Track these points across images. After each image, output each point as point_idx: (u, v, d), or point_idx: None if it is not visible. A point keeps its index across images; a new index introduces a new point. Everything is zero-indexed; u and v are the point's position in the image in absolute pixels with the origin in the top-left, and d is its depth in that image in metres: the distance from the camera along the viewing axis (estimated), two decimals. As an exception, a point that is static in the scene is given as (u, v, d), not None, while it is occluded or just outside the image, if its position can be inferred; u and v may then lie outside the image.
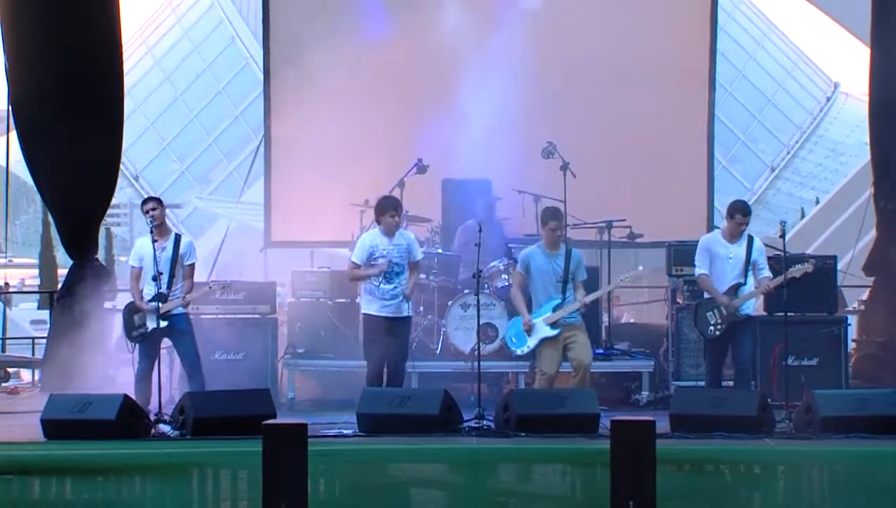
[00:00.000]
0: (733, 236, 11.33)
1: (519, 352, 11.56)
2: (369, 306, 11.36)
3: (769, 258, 12.02)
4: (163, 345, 11.48)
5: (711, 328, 11.31)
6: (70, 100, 13.15)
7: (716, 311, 11.27)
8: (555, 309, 11.26)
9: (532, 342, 11.35)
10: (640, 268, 11.84)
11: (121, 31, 13.76)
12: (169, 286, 11.24)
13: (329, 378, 12.97)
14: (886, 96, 13.71)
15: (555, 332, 11.27)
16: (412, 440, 10.10)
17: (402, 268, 11.29)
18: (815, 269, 11.74)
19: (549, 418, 10.28)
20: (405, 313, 11.35)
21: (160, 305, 11.14)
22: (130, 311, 11.50)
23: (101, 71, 13.43)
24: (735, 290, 11.24)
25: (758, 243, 11.40)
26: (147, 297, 11.32)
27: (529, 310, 11.35)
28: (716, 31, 15.53)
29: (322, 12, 15.30)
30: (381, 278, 11.21)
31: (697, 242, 11.66)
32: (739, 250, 11.28)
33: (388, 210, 11.22)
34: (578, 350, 11.27)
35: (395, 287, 11.24)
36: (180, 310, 11.38)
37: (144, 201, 11.58)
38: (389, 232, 11.26)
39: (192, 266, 11.47)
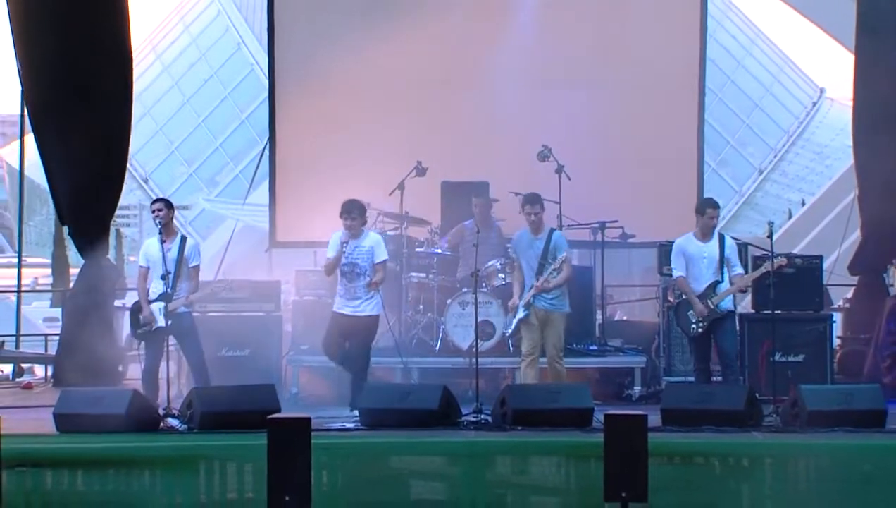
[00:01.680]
0: (705, 232, 11.39)
1: (507, 333, 12.04)
2: (335, 303, 11.58)
3: (758, 258, 12.06)
4: (172, 342, 11.49)
5: (693, 325, 11.37)
6: (81, 106, 13.15)
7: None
8: (528, 290, 11.41)
9: (514, 324, 11.66)
10: (564, 254, 11.75)
11: (130, 38, 13.75)
12: (173, 286, 11.24)
13: (332, 374, 12.94)
14: (870, 101, 13.71)
15: (524, 313, 11.42)
16: (412, 433, 10.12)
17: (365, 270, 11.34)
18: (801, 268, 11.77)
19: (544, 412, 10.30)
20: (367, 313, 11.43)
21: (166, 305, 11.14)
22: (136, 310, 11.52)
23: (111, 76, 13.43)
24: (713, 287, 11.30)
25: (729, 241, 11.49)
26: (153, 295, 11.33)
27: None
28: (705, 39, 15.52)
29: (325, 20, 15.29)
30: (343, 279, 11.34)
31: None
32: (713, 248, 11.36)
33: (340, 213, 11.32)
34: (544, 337, 11.47)
35: (357, 288, 11.34)
36: (184, 309, 11.39)
37: (153, 202, 11.62)
38: (350, 234, 11.30)
39: (197, 268, 11.48)
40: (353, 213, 11.28)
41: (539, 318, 11.45)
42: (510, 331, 11.85)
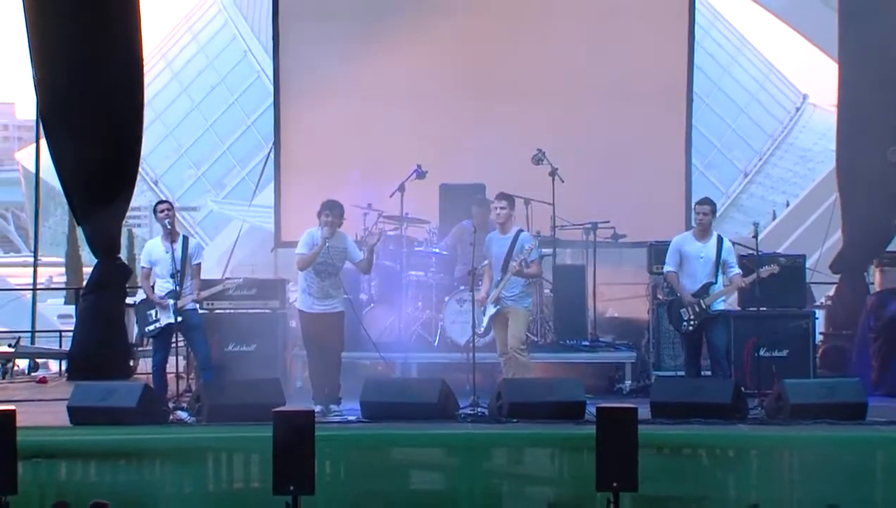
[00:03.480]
0: (703, 232, 11.33)
1: (479, 331, 11.52)
2: (303, 303, 11.25)
3: (743, 257, 12.04)
4: (181, 339, 11.48)
5: (685, 323, 11.32)
6: (94, 111, 13.14)
7: (689, 308, 11.28)
8: (496, 287, 11.29)
9: (485, 320, 11.40)
10: (539, 249, 11.67)
11: (142, 46, 13.75)
12: (180, 284, 11.22)
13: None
14: (853, 107, 13.71)
15: (495, 309, 11.27)
16: (412, 425, 10.12)
17: (337, 269, 11.18)
18: (786, 267, 11.76)
19: (538, 405, 10.30)
20: (339, 309, 11.29)
21: (175, 302, 11.12)
22: (143, 308, 11.47)
23: (123, 83, 13.42)
24: (707, 288, 11.25)
25: (727, 243, 11.42)
26: (161, 292, 11.30)
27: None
28: (693, 47, 15.51)
29: (328, 29, 15.31)
30: (316, 277, 11.15)
31: (677, 242, 11.65)
32: (710, 250, 11.28)
33: (320, 211, 11.11)
34: (508, 332, 11.26)
35: (328, 287, 11.15)
36: (192, 306, 11.38)
37: (158, 204, 11.57)
38: (331, 232, 11.10)
39: (199, 266, 11.45)
40: (336, 211, 11.19)
41: (502, 314, 11.31)
42: (483, 329, 11.46)
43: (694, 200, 14.45)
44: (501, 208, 11.32)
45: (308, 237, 11.22)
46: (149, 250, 11.62)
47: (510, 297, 11.28)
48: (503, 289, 11.23)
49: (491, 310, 11.31)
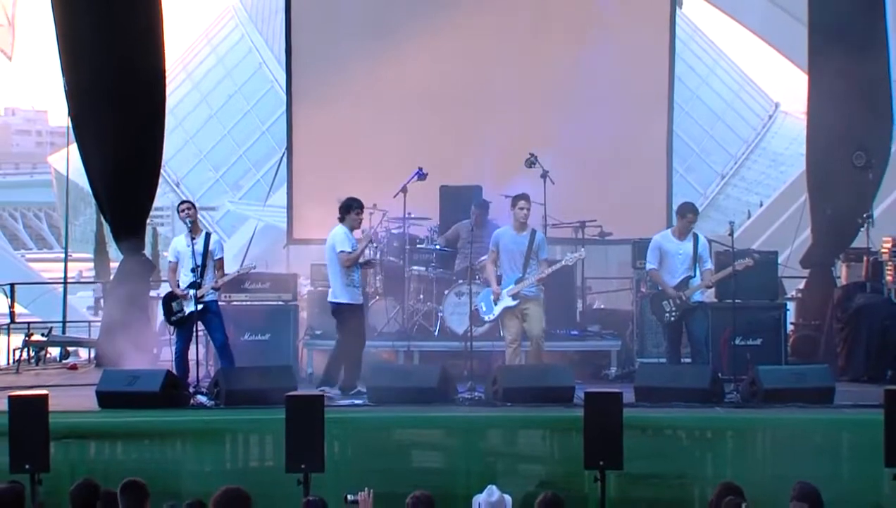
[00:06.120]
0: (683, 233, 11.34)
1: (487, 318, 11.55)
2: (351, 296, 11.17)
3: (720, 253, 12.04)
4: (201, 328, 11.47)
5: (667, 314, 11.32)
6: (120, 117, 13.13)
7: (670, 300, 11.27)
8: (516, 282, 11.27)
9: (497, 310, 11.36)
10: (582, 250, 11.85)
11: (164, 58, 13.73)
12: (201, 276, 11.20)
13: (343, 356, 12.92)
14: (821, 115, 13.69)
15: (514, 303, 11.26)
16: (414, 409, 10.13)
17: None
18: (759, 262, 11.76)
19: (531, 390, 10.30)
20: (362, 300, 11.44)
21: (196, 292, 11.11)
22: (168, 299, 11.46)
23: (146, 91, 13.41)
24: (686, 282, 11.25)
25: (702, 239, 11.44)
26: (183, 285, 11.28)
27: (500, 283, 11.36)
28: (673, 59, 15.49)
29: (337, 43, 15.29)
30: (357, 268, 11.16)
31: (658, 240, 11.63)
32: (688, 246, 11.29)
33: (353, 208, 11.15)
34: (529, 322, 11.27)
35: (362, 276, 11.31)
36: (211, 297, 11.36)
37: (181, 204, 11.56)
38: (355, 228, 11.19)
39: (221, 260, 11.43)
40: (363, 208, 11.26)
41: (521, 306, 11.32)
42: (494, 316, 11.48)
43: (675, 200, 14.50)
44: (528, 208, 11.35)
45: (344, 235, 11.17)
46: (174, 245, 11.62)
47: (530, 292, 11.27)
48: (524, 287, 11.22)
49: (509, 302, 11.28)
